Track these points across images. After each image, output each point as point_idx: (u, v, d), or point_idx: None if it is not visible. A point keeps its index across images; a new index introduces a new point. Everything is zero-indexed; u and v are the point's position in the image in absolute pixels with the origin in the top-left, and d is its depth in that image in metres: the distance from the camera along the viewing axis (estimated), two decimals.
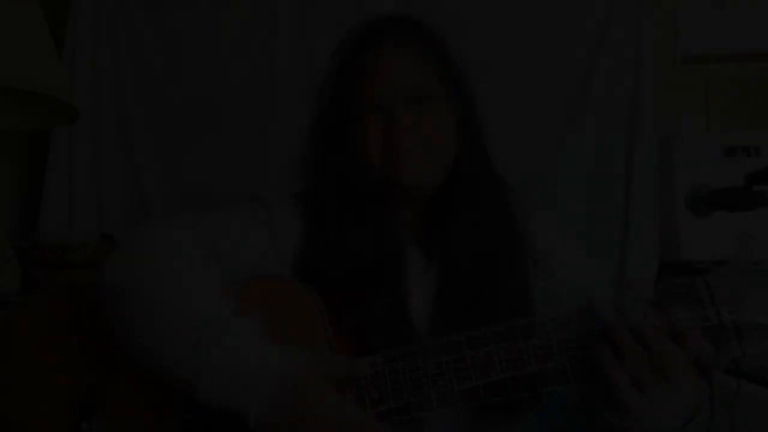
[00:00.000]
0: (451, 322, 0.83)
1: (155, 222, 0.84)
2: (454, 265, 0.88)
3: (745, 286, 0.69)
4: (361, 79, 0.88)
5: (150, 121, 1.84)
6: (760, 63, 1.87)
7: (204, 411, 0.76)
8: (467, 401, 0.83)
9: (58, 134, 1.79)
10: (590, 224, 1.76)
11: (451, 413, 0.83)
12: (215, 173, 1.81)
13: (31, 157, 1.86)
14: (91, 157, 1.81)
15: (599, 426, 0.74)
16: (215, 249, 0.80)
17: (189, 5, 1.86)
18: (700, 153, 1.68)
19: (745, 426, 1.00)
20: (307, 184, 0.95)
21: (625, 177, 1.75)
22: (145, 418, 0.77)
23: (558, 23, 1.81)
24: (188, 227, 0.81)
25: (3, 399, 0.80)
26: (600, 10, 1.79)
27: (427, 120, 0.87)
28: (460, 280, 0.87)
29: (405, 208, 0.92)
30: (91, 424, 0.77)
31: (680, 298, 0.69)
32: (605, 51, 1.78)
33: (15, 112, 1.52)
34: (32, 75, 1.36)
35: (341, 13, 1.80)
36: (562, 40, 1.81)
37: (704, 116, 1.89)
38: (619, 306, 0.70)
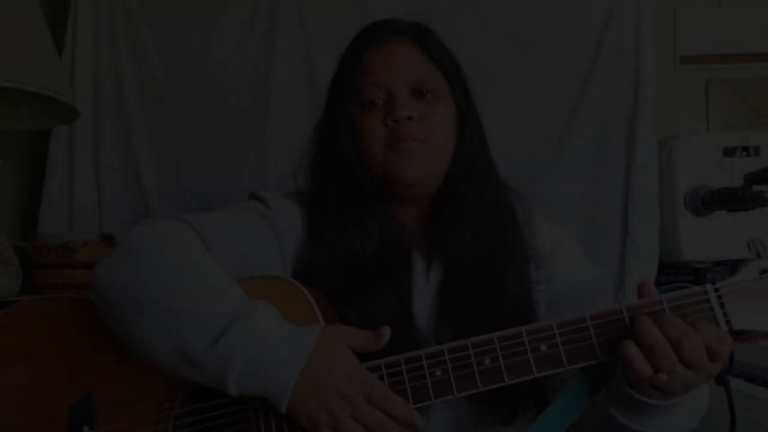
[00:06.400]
0: (453, 327, 0.83)
1: (152, 222, 0.83)
2: (455, 269, 0.87)
3: (754, 294, 0.69)
4: (368, 68, 0.89)
5: (150, 121, 1.84)
6: (760, 63, 1.87)
7: (202, 416, 0.76)
8: (470, 402, 0.83)
9: (58, 134, 1.78)
10: (590, 224, 1.76)
11: (454, 413, 0.83)
12: (215, 173, 1.81)
13: (31, 157, 1.86)
14: (91, 157, 1.81)
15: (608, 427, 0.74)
16: (213, 247, 0.80)
17: (188, 5, 1.86)
18: (700, 153, 1.68)
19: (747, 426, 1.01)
20: (307, 184, 0.94)
21: (625, 177, 1.76)
22: (142, 426, 0.76)
23: (558, 23, 1.81)
24: (189, 226, 0.81)
25: None
26: (600, 10, 1.79)
27: (428, 113, 0.87)
28: (461, 283, 0.86)
29: (405, 210, 0.92)
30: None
31: (690, 306, 0.69)
32: (605, 51, 1.78)
33: (15, 112, 1.52)
34: (32, 75, 1.36)
35: (339, 15, 1.80)
36: (562, 41, 1.81)
37: (704, 116, 1.89)
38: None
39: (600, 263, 1.70)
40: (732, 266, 1.60)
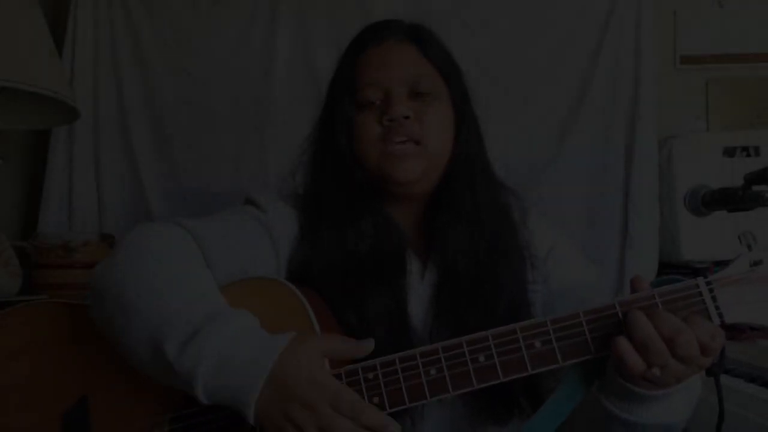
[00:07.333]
0: (448, 326, 0.83)
1: (148, 226, 0.83)
2: (450, 270, 0.87)
3: (745, 287, 0.69)
4: (366, 68, 0.90)
5: (150, 121, 1.84)
6: (760, 63, 1.87)
7: (195, 421, 0.76)
8: (465, 401, 0.83)
9: (58, 134, 1.79)
10: (590, 224, 1.76)
11: (449, 410, 0.83)
12: (215, 173, 1.81)
13: (31, 157, 1.87)
14: (91, 157, 1.81)
15: (603, 421, 0.74)
16: (210, 252, 0.80)
17: (189, 5, 1.86)
18: (700, 153, 1.68)
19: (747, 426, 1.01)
20: (305, 184, 0.95)
21: (624, 177, 1.75)
22: (136, 429, 0.76)
23: (558, 24, 1.81)
24: (186, 231, 0.81)
25: None
26: (600, 10, 1.79)
27: (424, 114, 0.87)
28: (457, 284, 0.86)
29: (402, 210, 0.92)
30: None
31: (682, 300, 0.68)
32: (605, 51, 1.78)
33: (15, 112, 1.52)
34: (32, 75, 1.36)
35: (339, 15, 1.80)
36: (563, 41, 1.81)
37: (704, 116, 1.89)
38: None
39: (600, 263, 1.70)
40: None
